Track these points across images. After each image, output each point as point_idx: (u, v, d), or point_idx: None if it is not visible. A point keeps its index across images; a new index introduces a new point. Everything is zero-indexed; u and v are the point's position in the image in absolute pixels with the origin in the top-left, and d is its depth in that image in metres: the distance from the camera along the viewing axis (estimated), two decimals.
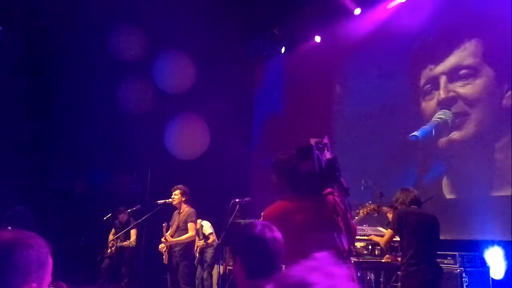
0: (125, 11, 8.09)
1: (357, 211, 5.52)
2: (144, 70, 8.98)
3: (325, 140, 2.57)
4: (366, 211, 5.43)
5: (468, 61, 6.69)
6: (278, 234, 1.93)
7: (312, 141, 2.56)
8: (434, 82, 7.08)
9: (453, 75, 6.82)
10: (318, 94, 9.00)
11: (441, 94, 6.89)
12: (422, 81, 7.27)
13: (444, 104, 6.85)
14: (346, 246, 2.47)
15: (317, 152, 2.49)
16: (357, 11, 8.03)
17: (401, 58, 7.61)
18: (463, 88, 6.66)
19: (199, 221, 6.89)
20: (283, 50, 9.57)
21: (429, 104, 7.11)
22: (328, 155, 2.51)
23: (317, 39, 8.90)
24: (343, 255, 2.43)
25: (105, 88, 8.95)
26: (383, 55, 7.87)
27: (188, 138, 9.34)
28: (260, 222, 1.94)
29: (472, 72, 6.60)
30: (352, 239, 2.69)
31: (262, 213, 2.57)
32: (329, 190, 2.52)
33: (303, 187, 2.49)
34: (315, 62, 8.93)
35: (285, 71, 9.82)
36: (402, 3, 7.60)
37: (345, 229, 2.49)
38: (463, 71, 6.71)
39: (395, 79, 7.63)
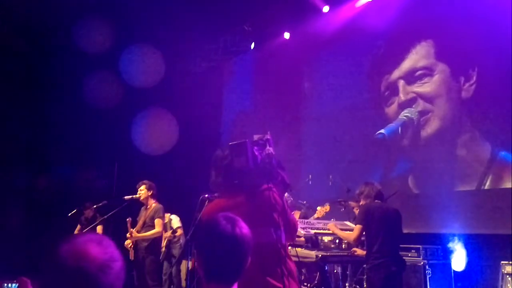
0: (93, 3, 7.92)
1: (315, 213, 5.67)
2: (110, 64, 8.81)
3: (268, 136, 2.58)
4: (320, 214, 5.59)
5: (422, 62, 6.93)
6: (246, 231, 1.72)
7: (255, 137, 2.57)
8: (393, 88, 7.30)
9: (410, 77, 7.05)
10: (287, 90, 9.06)
11: (401, 97, 7.12)
12: (382, 89, 7.47)
13: (405, 106, 7.07)
14: (283, 241, 2.47)
15: (252, 147, 2.48)
16: (326, 8, 8.11)
17: (363, 59, 7.80)
18: (422, 88, 6.89)
19: (167, 215, 6.83)
20: (252, 46, 9.57)
21: (391, 109, 7.32)
22: (270, 150, 2.50)
23: (286, 35, 8.95)
24: (281, 250, 2.42)
25: (70, 81, 8.74)
26: (348, 55, 8.02)
27: (156, 133, 9.23)
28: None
29: (428, 72, 6.84)
30: (291, 235, 2.65)
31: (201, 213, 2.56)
32: (265, 186, 2.48)
33: (237, 183, 2.48)
34: (284, 58, 8.97)
35: (255, 67, 9.82)
36: (365, 5, 7.71)
37: (283, 225, 2.47)
38: (419, 72, 6.94)
39: (359, 78, 7.79)
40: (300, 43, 8.71)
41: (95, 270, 1.20)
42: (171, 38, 8.94)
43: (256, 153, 2.49)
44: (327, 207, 5.68)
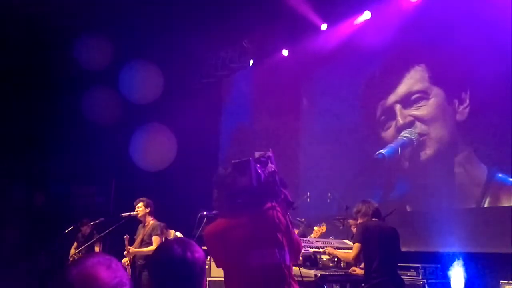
0: (92, 20, 7.98)
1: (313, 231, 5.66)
2: (109, 80, 8.84)
3: (269, 153, 2.54)
4: (317, 234, 5.58)
5: (418, 86, 7.04)
6: (199, 255, 1.67)
7: (257, 154, 2.53)
8: (389, 112, 7.37)
9: (407, 101, 7.14)
10: (285, 107, 9.09)
11: (400, 120, 7.20)
12: (378, 113, 7.53)
13: (403, 129, 7.13)
14: (288, 262, 2.41)
15: (255, 165, 2.43)
16: (324, 26, 8.18)
17: (358, 82, 7.88)
18: (419, 111, 6.99)
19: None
20: (251, 62, 9.62)
21: (388, 133, 7.38)
22: (271, 168, 2.46)
23: (285, 52, 9.01)
24: (285, 271, 2.37)
25: (69, 97, 8.75)
26: (347, 72, 8.08)
27: (154, 150, 9.22)
28: (179, 240, 1.74)
29: (424, 95, 6.96)
30: (295, 255, 2.60)
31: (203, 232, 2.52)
32: (269, 204, 2.43)
33: (241, 203, 2.41)
34: (283, 75, 9.02)
35: (253, 83, 9.86)
36: (365, 23, 7.77)
37: (287, 245, 2.43)
38: (414, 96, 7.05)
39: (355, 100, 7.86)
40: (299, 60, 8.77)
41: None
42: (169, 54, 8.99)
43: (259, 171, 2.43)
44: (323, 228, 5.67)
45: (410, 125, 7.02)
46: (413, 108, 7.04)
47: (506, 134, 5.80)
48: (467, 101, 6.38)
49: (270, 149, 2.56)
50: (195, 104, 9.77)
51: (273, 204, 2.43)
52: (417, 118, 6.97)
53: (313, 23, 8.11)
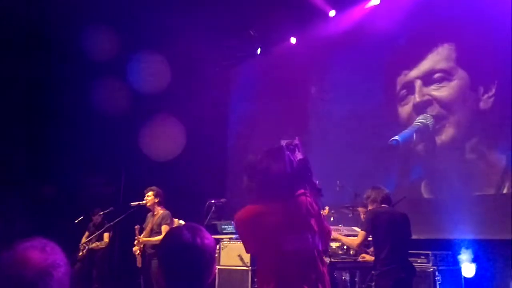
0: (100, 11, 7.96)
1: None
2: (117, 70, 8.84)
3: (296, 141, 2.55)
4: None
5: (442, 65, 6.82)
6: (208, 241, 1.66)
7: (283, 142, 2.55)
8: (409, 87, 7.20)
9: (428, 79, 6.93)
10: (294, 95, 9.04)
11: (417, 98, 7.01)
12: (398, 87, 7.37)
13: (419, 107, 6.97)
14: (320, 247, 2.44)
15: (288, 153, 2.46)
16: (332, 13, 8.09)
17: (376, 62, 7.68)
18: (438, 91, 6.78)
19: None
20: (259, 51, 9.56)
21: (404, 109, 7.23)
22: (299, 155, 2.48)
23: (293, 40, 8.93)
24: (317, 257, 2.40)
25: (78, 88, 8.77)
26: (358, 59, 7.94)
27: (163, 140, 9.23)
28: (189, 226, 1.71)
29: (446, 76, 6.73)
30: (326, 240, 2.64)
31: (234, 217, 2.53)
32: (301, 191, 2.45)
33: (275, 189, 2.44)
34: (291, 63, 8.96)
35: (261, 72, 9.82)
36: (376, 6, 7.69)
37: (318, 231, 2.46)
38: (437, 75, 6.83)
39: (371, 83, 7.70)
40: (307, 48, 8.70)
41: (35, 277, 1.17)
42: (177, 44, 8.95)
43: (292, 158, 2.47)
44: (325, 211, 5.62)
45: (427, 104, 6.82)
46: (433, 87, 6.82)
47: None
48: (493, 90, 6.18)
49: (297, 137, 2.58)
50: (203, 93, 9.76)
51: (305, 190, 2.46)
52: (435, 99, 6.77)
53: (321, 10, 8.03)
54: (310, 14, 8.26)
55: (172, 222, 6.22)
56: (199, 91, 9.80)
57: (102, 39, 8.38)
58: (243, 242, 2.47)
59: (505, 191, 5.97)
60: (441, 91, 6.74)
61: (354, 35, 7.87)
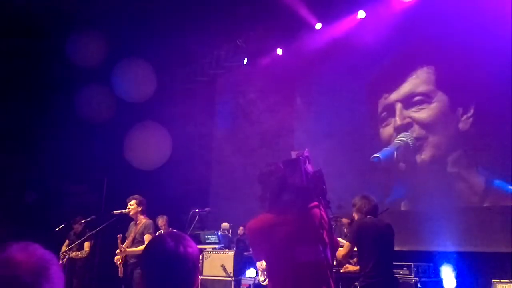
0: (86, 18, 7.92)
1: None
2: (102, 78, 8.78)
3: (306, 153, 2.57)
4: None
5: (422, 88, 6.99)
6: (192, 250, 1.62)
7: (294, 153, 2.56)
8: (390, 109, 7.34)
9: (408, 101, 7.11)
10: (280, 106, 9.07)
11: (397, 120, 7.18)
12: (379, 109, 7.50)
13: (401, 129, 7.13)
14: (330, 259, 2.48)
15: (304, 166, 2.49)
16: (318, 25, 8.17)
17: (359, 78, 7.81)
18: (418, 113, 6.95)
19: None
20: (245, 61, 9.60)
21: (386, 130, 7.37)
22: (309, 168, 2.51)
23: (279, 51, 8.99)
24: (327, 269, 2.43)
25: (62, 95, 8.68)
26: (342, 73, 8.04)
27: (147, 148, 9.17)
28: (172, 233, 1.69)
29: (426, 99, 6.91)
30: (334, 253, 2.69)
31: (246, 226, 2.53)
32: (315, 203, 2.49)
33: (289, 200, 2.47)
34: (277, 74, 9.01)
35: (247, 82, 9.85)
36: (361, 22, 7.76)
37: (329, 243, 2.49)
38: (417, 98, 7.00)
39: (354, 100, 7.81)
40: (293, 59, 8.76)
41: (32, 277, 1.16)
42: (164, 52, 8.94)
43: (307, 170, 2.50)
44: None
45: (408, 126, 7.00)
46: (413, 109, 6.99)
47: (506, 144, 5.81)
48: (472, 111, 6.35)
49: (306, 149, 2.59)
50: (189, 102, 9.75)
51: (318, 202, 2.49)
52: (415, 121, 6.94)
53: (307, 22, 8.11)
54: (297, 26, 8.33)
55: (154, 231, 6.16)
56: (185, 100, 9.79)
57: (87, 46, 8.33)
58: (252, 250, 2.51)
59: (485, 204, 6.06)
60: (421, 113, 6.93)
61: (340, 49, 7.96)
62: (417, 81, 7.04)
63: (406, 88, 7.16)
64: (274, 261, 2.44)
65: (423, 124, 6.86)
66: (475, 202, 6.18)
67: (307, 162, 2.53)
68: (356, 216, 4.61)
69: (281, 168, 2.54)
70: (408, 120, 7.03)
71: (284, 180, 2.47)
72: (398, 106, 7.19)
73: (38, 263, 1.19)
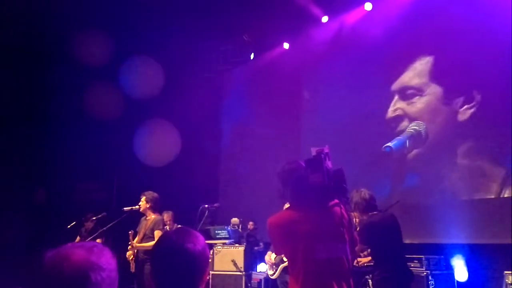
0: (93, 16, 7.95)
1: None
2: (111, 76, 8.83)
3: (326, 150, 2.56)
4: None
5: (416, 81, 7.01)
6: (200, 247, 1.62)
7: (313, 150, 2.55)
8: (389, 101, 7.33)
9: (403, 93, 7.16)
10: (287, 100, 9.06)
11: (389, 113, 7.22)
12: (381, 101, 7.49)
13: (392, 121, 7.21)
14: (349, 256, 2.50)
15: (326, 163, 2.49)
16: (325, 19, 8.14)
17: (366, 73, 7.76)
18: (412, 107, 7.00)
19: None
20: (252, 56, 9.59)
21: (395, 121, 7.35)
22: (329, 164, 2.51)
23: (286, 46, 8.97)
24: (347, 265, 2.46)
25: (71, 93, 8.75)
26: (350, 65, 7.99)
27: (156, 145, 9.22)
28: (180, 230, 1.70)
29: (417, 92, 6.96)
30: (353, 250, 2.69)
31: (267, 221, 2.55)
32: (336, 201, 2.51)
33: (311, 197, 2.48)
34: (284, 69, 8.99)
35: (254, 77, 9.84)
36: (368, 14, 7.71)
37: (349, 240, 2.51)
38: (410, 91, 7.05)
39: (362, 92, 7.76)
40: (300, 53, 8.74)
41: (73, 275, 1.17)
42: (170, 49, 8.97)
43: (329, 168, 2.51)
44: None
45: (399, 119, 7.08)
46: (405, 102, 7.08)
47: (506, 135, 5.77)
48: (473, 102, 6.32)
49: (326, 146, 2.59)
50: (197, 99, 9.77)
51: (339, 200, 2.52)
52: (406, 114, 7.00)
53: (314, 16, 8.08)
54: (303, 19, 8.30)
55: (164, 227, 6.20)
56: (193, 97, 9.81)
57: (96, 45, 8.37)
58: (273, 245, 2.54)
59: (505, 194, 5.99)
60: (415, 105, 6.96)
61: (347, 41, 7.92)
62: (412, 73, 7.08)
63: (405, 78, 7.18)
64: (295, 258, 2.46)
65: (412, 118, 6.95)
66: (489, 191, 6.12)
67: (327, 159, 2.52)
68: (356, 213, 4.54)
69: (302, 166, 2.55)
70: (399, 112, 7.09)
71: (305, 178, 2.48)
72: (396, 97, 7.24)
73: (88, 265, 1.20)
